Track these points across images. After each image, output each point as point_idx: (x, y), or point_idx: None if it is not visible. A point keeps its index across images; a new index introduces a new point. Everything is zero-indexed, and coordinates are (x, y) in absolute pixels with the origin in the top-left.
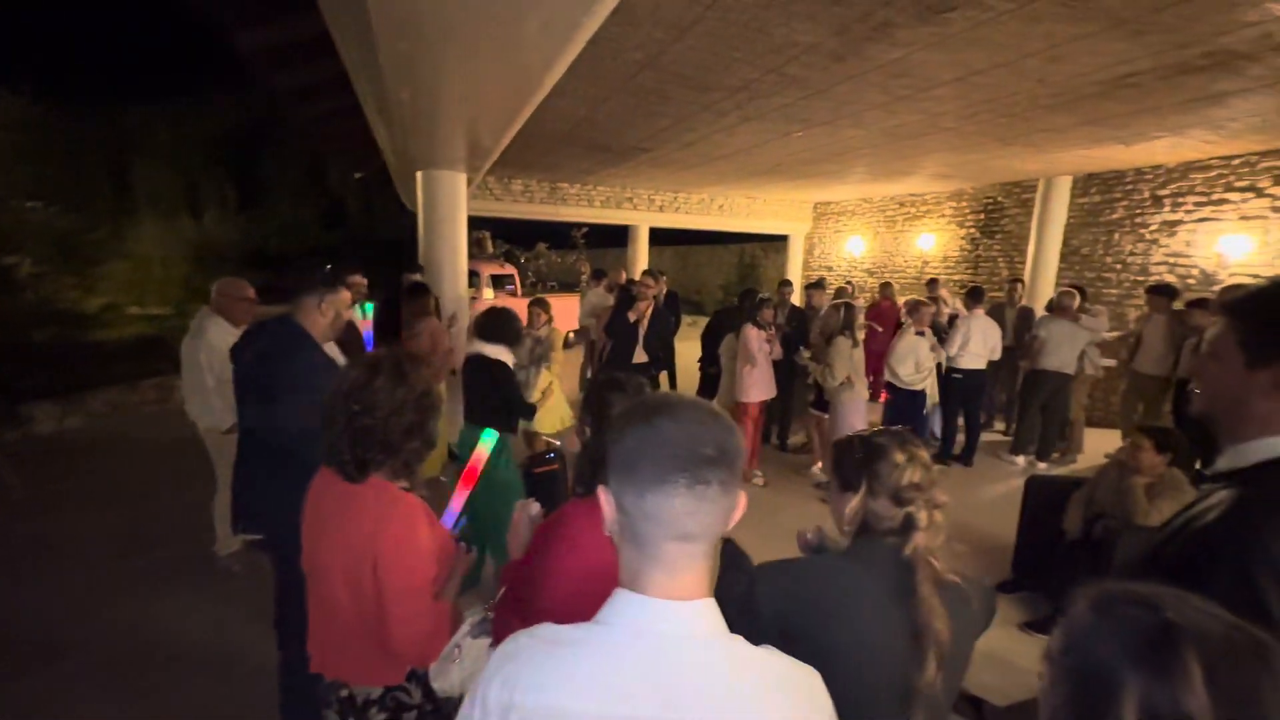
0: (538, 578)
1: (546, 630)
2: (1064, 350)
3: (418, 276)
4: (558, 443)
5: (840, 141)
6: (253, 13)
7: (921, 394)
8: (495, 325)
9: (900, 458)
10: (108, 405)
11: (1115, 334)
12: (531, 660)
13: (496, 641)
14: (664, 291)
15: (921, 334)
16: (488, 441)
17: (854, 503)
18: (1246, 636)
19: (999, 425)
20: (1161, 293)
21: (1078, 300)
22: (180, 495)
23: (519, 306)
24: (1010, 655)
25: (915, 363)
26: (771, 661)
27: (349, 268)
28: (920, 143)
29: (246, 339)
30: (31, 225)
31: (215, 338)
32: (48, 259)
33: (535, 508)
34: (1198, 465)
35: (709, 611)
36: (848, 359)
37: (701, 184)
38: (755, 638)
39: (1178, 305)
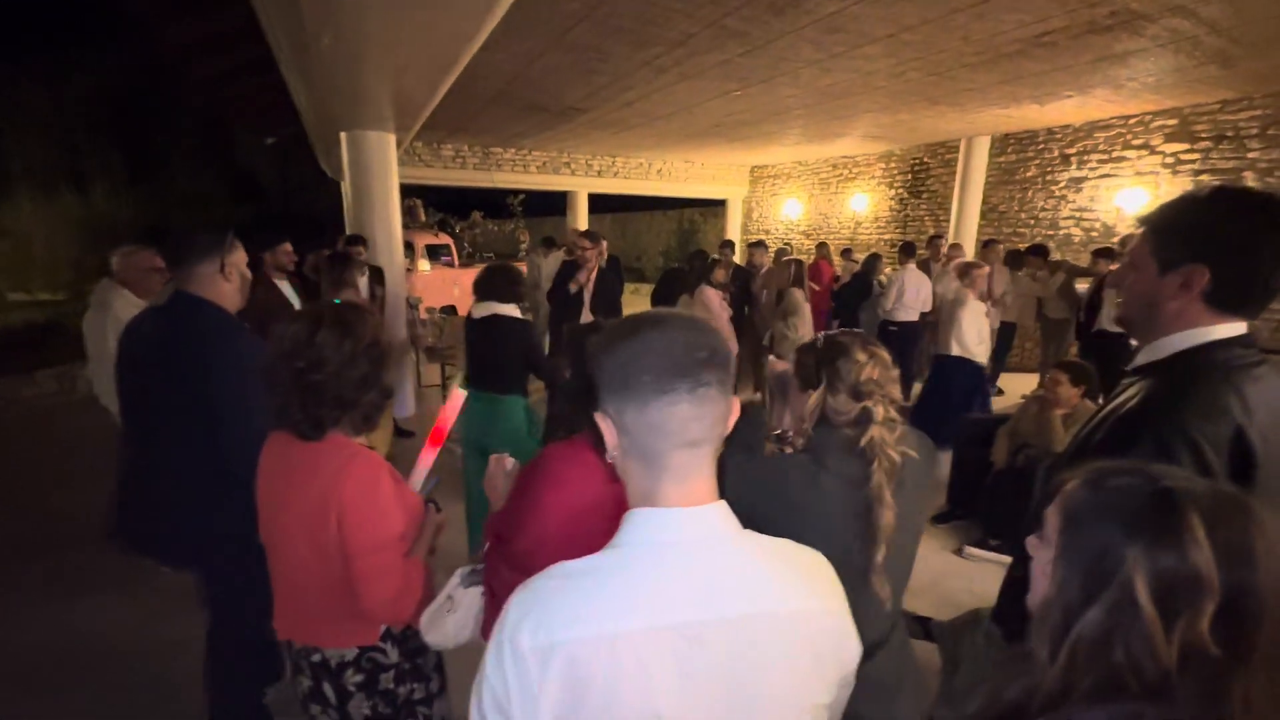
0: (520, 517)
1: (560, 569)
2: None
3: (360, 250)
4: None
5: (777, 100)
6: None
7: (982, 366)
8: (500, 282)
9: (861, 356)
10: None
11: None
12: (559, 598)
13: (487, 589)
14: (605, 255)
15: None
16: (458, 395)
17: (814, 397)
18: (1228, 493)
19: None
20: (1035, 253)
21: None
22: (93, 489)
23: (466, 278)
24: (946, 578)
25: (978, 331)
26: (789, 550)
27: (276, 237)
28: (853, 102)
29: (140, 326)
30: None
31: (123, 311)
32: None
33: (510, 461)
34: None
35: (724, 512)
36: (805, 312)
37: (640, 147)
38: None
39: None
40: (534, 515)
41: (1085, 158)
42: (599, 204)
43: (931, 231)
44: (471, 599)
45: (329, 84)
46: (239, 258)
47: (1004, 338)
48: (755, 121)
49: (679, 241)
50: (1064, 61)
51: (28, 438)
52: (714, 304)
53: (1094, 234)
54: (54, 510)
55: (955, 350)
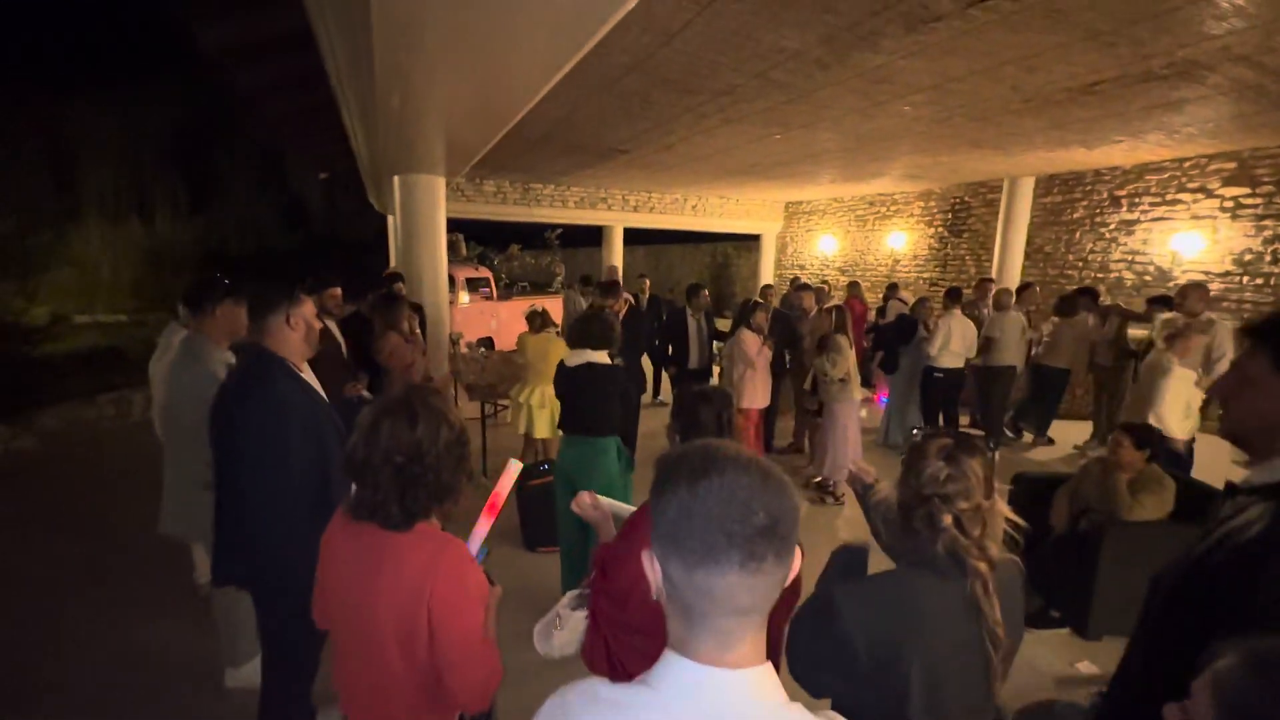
0: (619, 558)
1: (593, 688)
2: (1014, 345)
3: (401, 286)
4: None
5: (817, 143)
6: (218, 8)
7: (1179, 447)
8: (595, 331)
9: (937, 460)
10: (62, 423)
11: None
12: (577, 717)
13: (590, 615)
14: (647, 295)
15: (1187, 367)
16: (514, 467)
17: (885, 488)
18: None
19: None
20: (1084, 295)
21: (1014, 297)
22: (148, 519)
23: (504, 310)
24: None
25: (1186, 405)
26: None
27: (326, 279)
28: (893, 145)
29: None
30: None
31: None
32: None
33: (588, 496)
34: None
35: (764, 679)
36: (848, 356)
37: (676, 184)
38: (846, 663)
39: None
40: (630, 560)
41: (1137, 200)
42: (634, 236)
43: (973, 271)
44: (577, 620)
45: (390, 134)
46: (306, 309)
47: (1055, 384)
48: (793, 162)
49: (712, 275)
50: (1115, 109)
51: (89, 462)
52: (751, 348)
53: (1147, 278)
54: (115, 538)
55: (1151, 422)
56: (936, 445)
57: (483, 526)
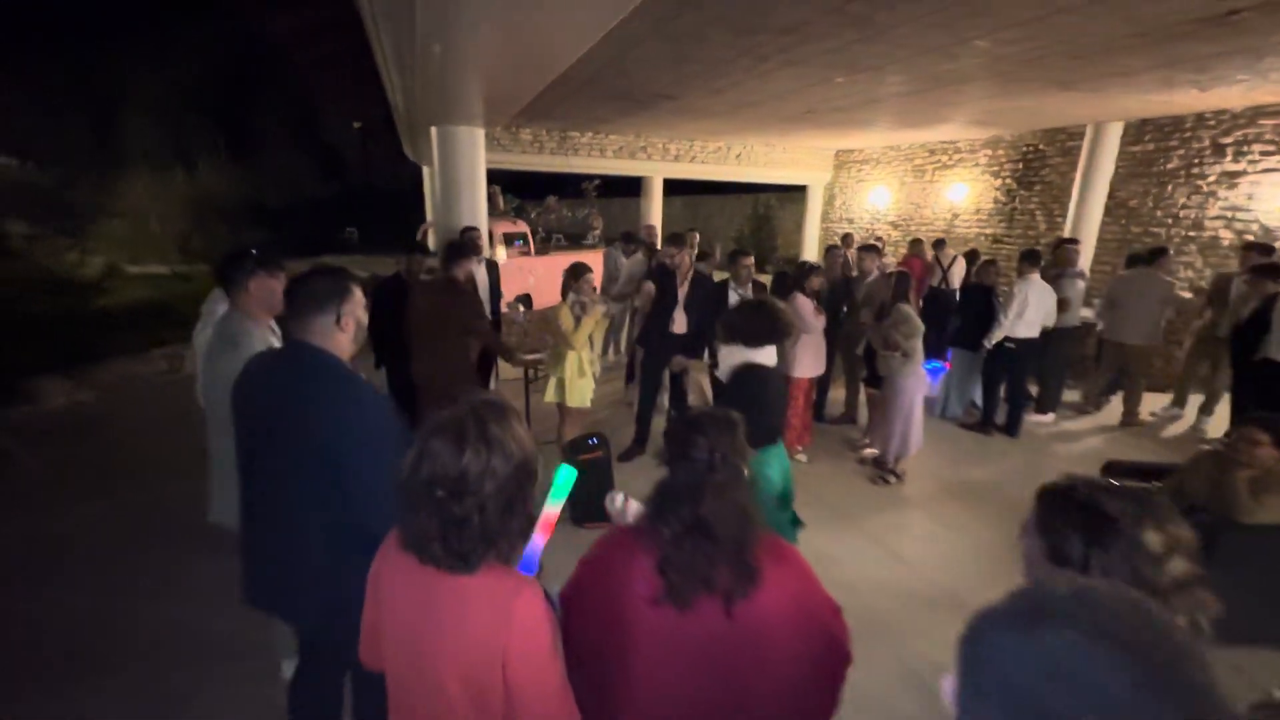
0: (567, 592)
1: None
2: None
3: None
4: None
5: (883, 86)
6: None
7: None
8: (760, 325)
9: (1155, 541)
10: (118, 377)
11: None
12: None
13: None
14: (695, 251)
15: None
16: (566, 483)
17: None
18: None
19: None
20: (1257, 250)
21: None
22: (202, 473)
23: (541, 266)
24: None
25: None
26: None
27: (422, 247)
28: (968, 88)
29: (256, 373)
30: (12, 184)
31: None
32: (38, 220)
33: (620, 498)
34: None
35: None
36: (918, 326)
37: (722, 132)
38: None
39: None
40: (567, 599)
41: (1245, 148)
42: (671, 186)
43: (1044, 227)
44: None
45: (428, 84)
46: (355, 304)
47: (1136, 360)
48: (852, 108)
49: (753, 227)
50: (1249, 43)
51: (145, 415)
52: (807, 312)
53: (1249, 237)
54: (171, 491)
55: None
56: (1141, 514)
57: (537, 544)
